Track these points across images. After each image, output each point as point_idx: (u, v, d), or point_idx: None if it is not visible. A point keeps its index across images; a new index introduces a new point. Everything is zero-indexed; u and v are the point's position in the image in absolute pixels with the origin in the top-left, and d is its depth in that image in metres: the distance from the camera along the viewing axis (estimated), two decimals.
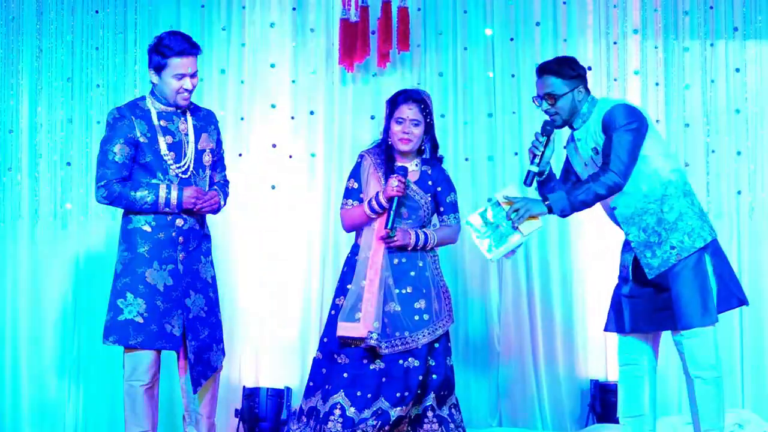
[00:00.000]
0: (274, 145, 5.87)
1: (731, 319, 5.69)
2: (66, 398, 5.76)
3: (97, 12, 5.83)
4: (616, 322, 4.39)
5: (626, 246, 4.35)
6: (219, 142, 4.54)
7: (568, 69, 4.26)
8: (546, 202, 4.16)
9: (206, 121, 4.49)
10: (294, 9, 5.93)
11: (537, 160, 4.25)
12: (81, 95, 5.83)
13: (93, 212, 5.77)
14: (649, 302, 4.27)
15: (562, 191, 4.20)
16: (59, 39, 5.82)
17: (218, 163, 4.53)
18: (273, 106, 5.90)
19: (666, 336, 4.42)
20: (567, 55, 4.79)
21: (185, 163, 4.36)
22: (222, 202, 4.50)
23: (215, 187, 4.49)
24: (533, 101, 4.33)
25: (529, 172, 4.26)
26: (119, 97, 5.75)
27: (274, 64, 5.91)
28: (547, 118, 4.30)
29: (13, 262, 5.81)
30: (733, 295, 4.28)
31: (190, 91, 4.35)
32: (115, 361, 5.64)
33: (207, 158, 4.44)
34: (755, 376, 5.84)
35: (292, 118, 5.90)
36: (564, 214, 4.22)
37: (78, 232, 5.80)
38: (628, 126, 4.13)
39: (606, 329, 4.47)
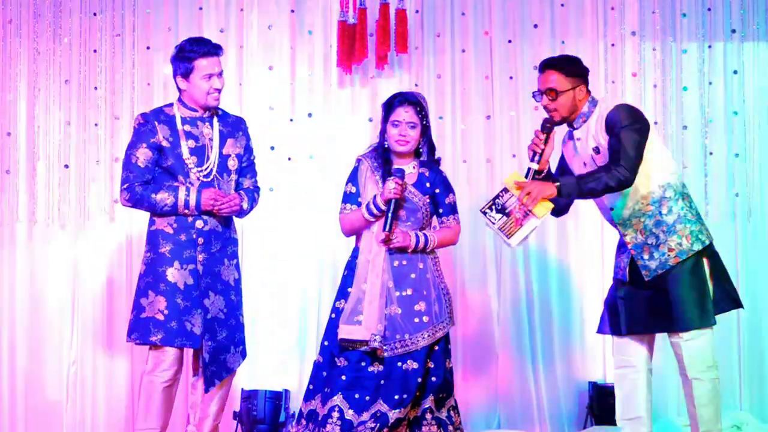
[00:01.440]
0: (272, 147, 5.87)
1: (729, 321, 5.69)
2: (64, 400, 5.75)
3: (95, 14, 5.83)
4: (610, 324, 4.39)
5: (622, 247, 4.35)
6: (248, 148, 4.60)
7: (572, 66, 4.29)
8: (556, 184, 4.13)
9: (234, 127, 4.56)
10: (292, 11, 5.93)
11: (537, 158, 4.25)
12: (79, 98, 5.82)
13: (91, 215, 5.77)
14: (645, 304, 4.27)
15: (572, 177, 4.20)
16: (57, 41, 5.82)
17: (247, 169, 4.59)
18: (271, 108, 5.89)
19: (663, 337, 4.42)
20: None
21: (207, 167, 4.42)
22: (245, 206, 4.55)
23: (241, 191, 4.53)
24: (533, 96, 4.33)
25: (529, 169, 4.25)
26: (117, 100, 5.76)
27: (272, 66, 5.91)
28: (546, 116, 4.31)
29: (10, 264, 5.81)
30: (728, 298, 4.29)
31: (220, 90, 4.44)
32: (114, 363, 5.68)
33: (232, 163, 4.50)
34: (753, 377, 5.84)
35: (291, 120, 5.90)
36: (570, 199, 4.22)
37: (75, 235, 5.79)
38: (633, 125, 4.15)
39: (599, 331, 4.48)
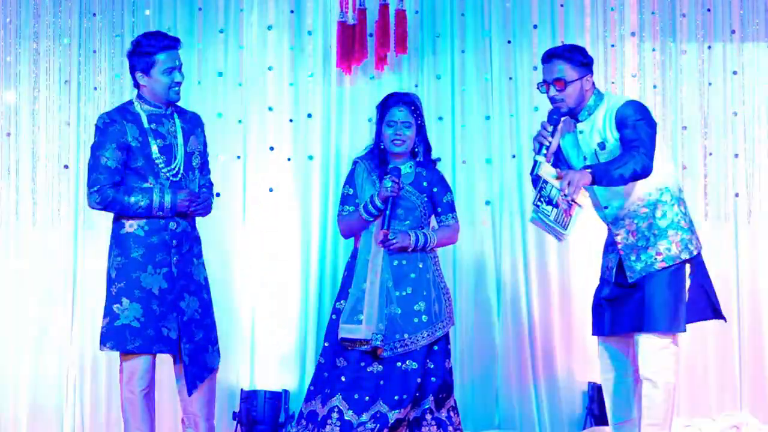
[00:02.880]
0: (271, 148, 5.87)
1: (730, 322, 5.69)
2: (64, 402, 5.76)
3: (94, 15, 5.83)
4: (596, 325, 4.38)
5: (611, 247, 4.33)
6: (205, 145, 4.54)
7: (578, 55, 4.22)
8: (588, 171, 4.00)
9: (193, 124, 4.49)
10: (292, 12, 5.93)
11: (544, 150, 4.12)
12: (79, 98, 5.82)
13: (90, 215, 5.76)
14: (625, 305, 4.25)
15: (600, 164, 4.08)
16: (57, 42, 5.82)
17: (204, 166, 4.54)
18: (270, 109, 5.89)
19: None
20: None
21: (176, 166, 4.36)
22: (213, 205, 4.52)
23: (203, 189, 4.49)
24: (538, 88, 4.27)
25: (536, 161, 4.13)
26: (117, 100, 5.73)
27: (271, 66, 5.91)
28: (546, 111, 4.28)
29: (9, 265, 5.81)
30: (706, 308, 4.24)
31: (181, 84, 4.38)
32: (113, 365, 5.67)
33: (196, 161, 4.45)
34: (753, 378, 5.84)
35: (290, 120, 5.90)
36: (600, 185, 4.05)
37: (75, 236, 5.80)
38: (646, 119, 4.11)
39: (593, 333, 4.47)
